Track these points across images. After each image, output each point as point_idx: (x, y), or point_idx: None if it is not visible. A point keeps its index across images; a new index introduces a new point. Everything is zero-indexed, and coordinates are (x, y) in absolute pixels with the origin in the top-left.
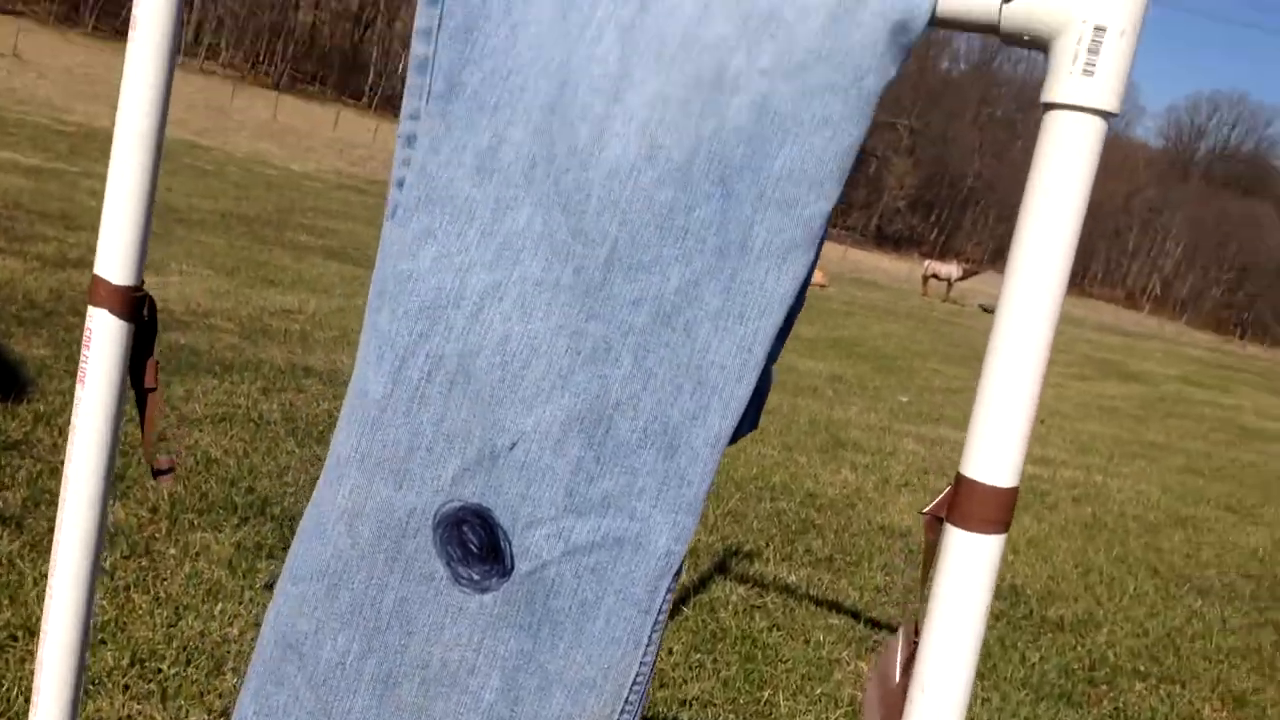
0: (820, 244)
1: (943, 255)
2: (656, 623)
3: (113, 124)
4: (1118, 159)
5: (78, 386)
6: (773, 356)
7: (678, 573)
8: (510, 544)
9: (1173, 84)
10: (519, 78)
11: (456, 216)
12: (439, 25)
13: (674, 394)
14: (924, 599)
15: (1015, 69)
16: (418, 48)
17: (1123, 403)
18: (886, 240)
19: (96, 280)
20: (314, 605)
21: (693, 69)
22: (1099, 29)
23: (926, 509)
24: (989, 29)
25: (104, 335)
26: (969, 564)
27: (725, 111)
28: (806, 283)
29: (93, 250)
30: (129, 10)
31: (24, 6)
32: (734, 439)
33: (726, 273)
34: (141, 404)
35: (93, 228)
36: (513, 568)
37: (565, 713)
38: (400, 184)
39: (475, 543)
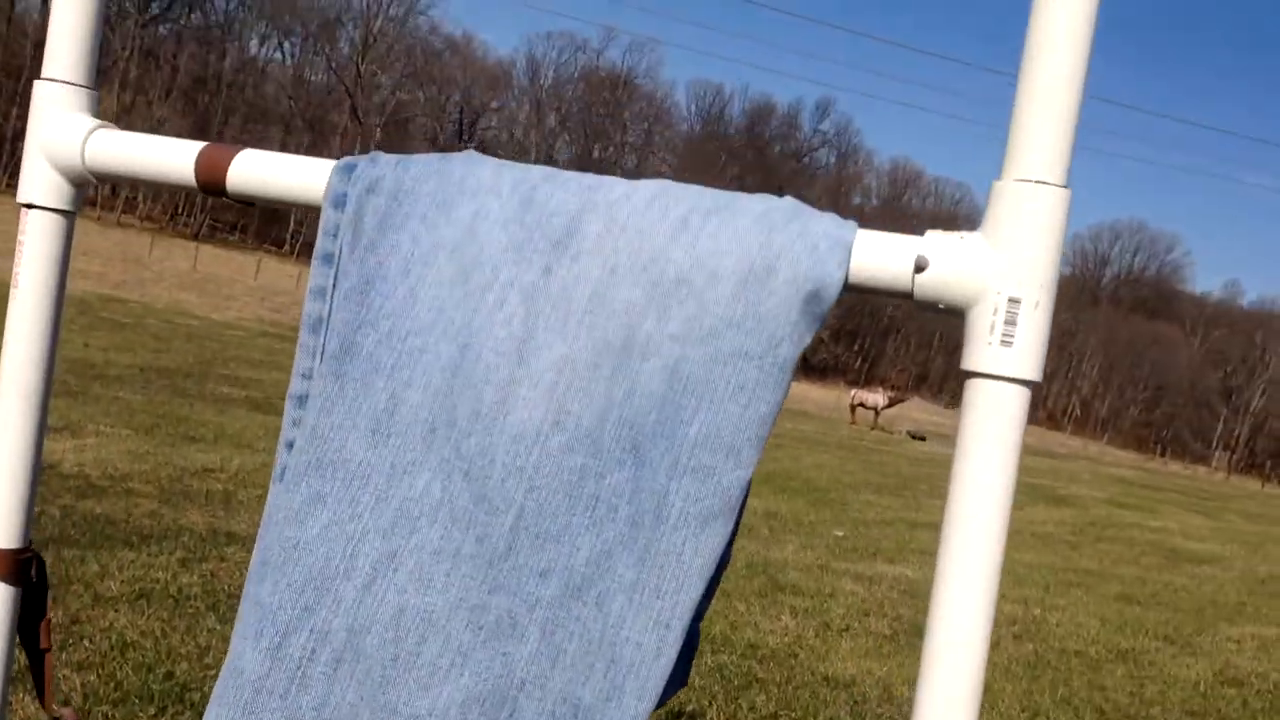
0: (741, 511)
1: (868, 383)
2: None
3: (4, 274)
4: None
5: None
6: (699, 614)
7: None
8: None
9: (1075, 216)
10: (418, 339)
11: (349, 481)
12: (334, 285)
13: (585, 673)
14: None
15: (924, 203)
16: (311, 306)
17: (1054, 528)
18: (813, 370)
19: None
20: None
21: (600, 333)
22: (1013, 300)
23: None
24: (903, 297)
25: None
26: None
27: (636, 377)
28: (728, 552)
29: None
30: (16, 161)
31: None
32: (661, 702)
33: (641, 543)
34: (36, 665)
35: None
36: None
37: None
38: (289, 445)
39: None
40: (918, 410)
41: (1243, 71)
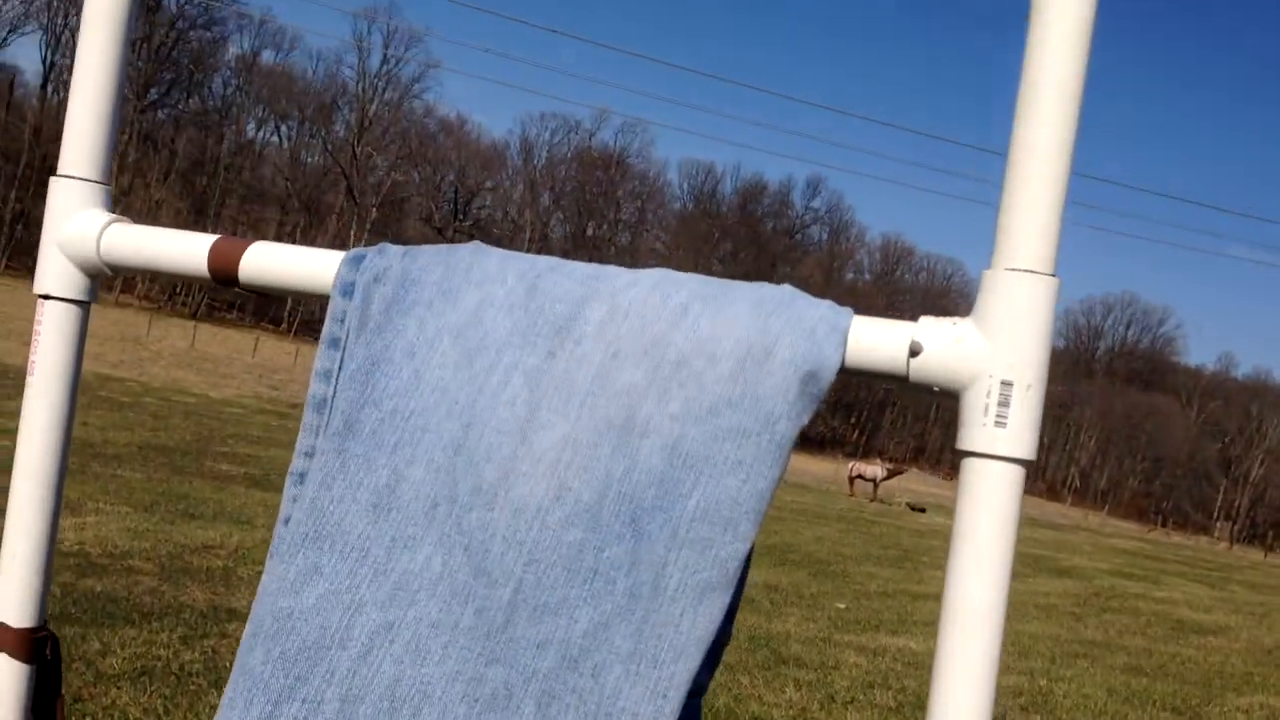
0: (741, 585)
1: (865, 455)
2: None
3: (23, 361)
4: None
5: None
6: (700, 689)
7: None
8: None
9: (1066, 289)
10: (421, 419)
11: (347, 554)
12: (339, 367)
13: None
14: None
15: (916, 278)
16: (316, 388)
17: (1058, 599)
18: (810, 442)
19: None
20: None
21: (602, 413)
22: (1005, 383)
23: None
24: (898, 380)
25: (4, 680)
26: None
27: (636, 454)
28: (729, 628)
29: (4, 494)
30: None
31: None
32: None
33: (638, 614)
34: None
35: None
36: None
37: None
38: (286, 521)
39: None
40: (916, 482)
41: (1228, 146)
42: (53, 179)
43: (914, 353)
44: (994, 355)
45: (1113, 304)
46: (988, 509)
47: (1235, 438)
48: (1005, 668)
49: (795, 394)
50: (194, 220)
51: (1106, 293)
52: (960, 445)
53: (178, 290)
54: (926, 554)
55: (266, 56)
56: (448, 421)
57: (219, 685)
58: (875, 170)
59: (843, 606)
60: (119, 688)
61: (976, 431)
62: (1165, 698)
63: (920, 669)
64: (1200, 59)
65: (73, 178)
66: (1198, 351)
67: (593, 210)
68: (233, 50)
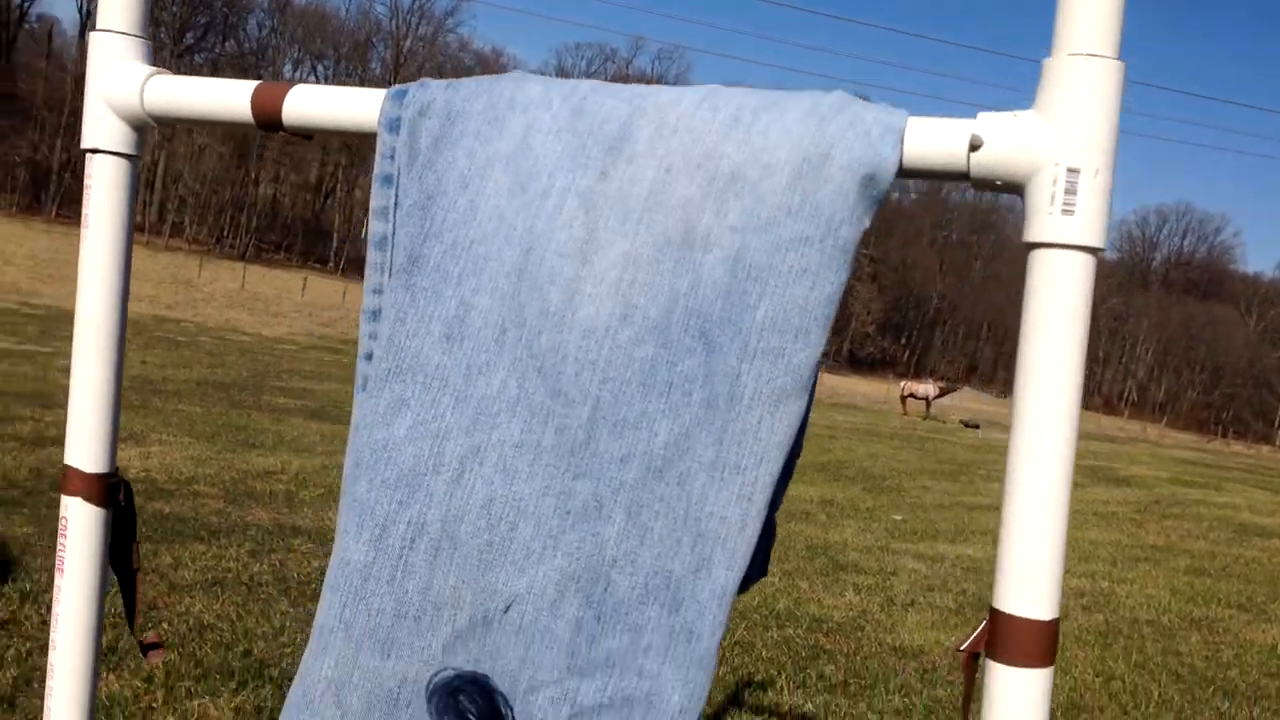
0: (813, 389)
1: (916, 375)
2: None
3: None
4: None
5: (57, 575)
6: (775, 504)
7: None
8: (512, 710)
9: (1119, 200)
10: (482, 247)
11: (429, 384)
12: (395, 203)
13: (673, 548)
14: None
15: (963, 195)
16: (375, 226)
17: (1119, 508)
18: (860, 364)
19: (69, 470)
20: None
21: (660, 229)
22: (1072, 170)
23: (963, 646)
24: (959, 177)
25: (80, 524)
26: (1016, 701)
27: (699, 269)
28: (803, 428)
29: None
30: None
31: None
32: (744, 587)
33: (717, 424)
34: (127, 587)
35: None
36: None
37: None
38: (368, 357)
39: (474, 712)
40: (969, 400)
41: None
42: (92, 34)
43: (974, 147)
44: (1060, 143)
45: (1168, 214)
46: (1058, 300)
47: None
48: (1066, 570)
49: (855, 198)
50: (237, 164)
51: (1161, 203)
52: (1026, 238)
53: (225, 233)
54: (982, 468)
55: None
56: (508, 249)
57: (288, 594)
58: (913, 86)
59: (899, 518)
60: (192, 596)
61: (1043, 221)
62: (1230, 596)
63: (980, 574)
64: None
65: (112, 31)
66: (1256, 259)
67: None
68: None
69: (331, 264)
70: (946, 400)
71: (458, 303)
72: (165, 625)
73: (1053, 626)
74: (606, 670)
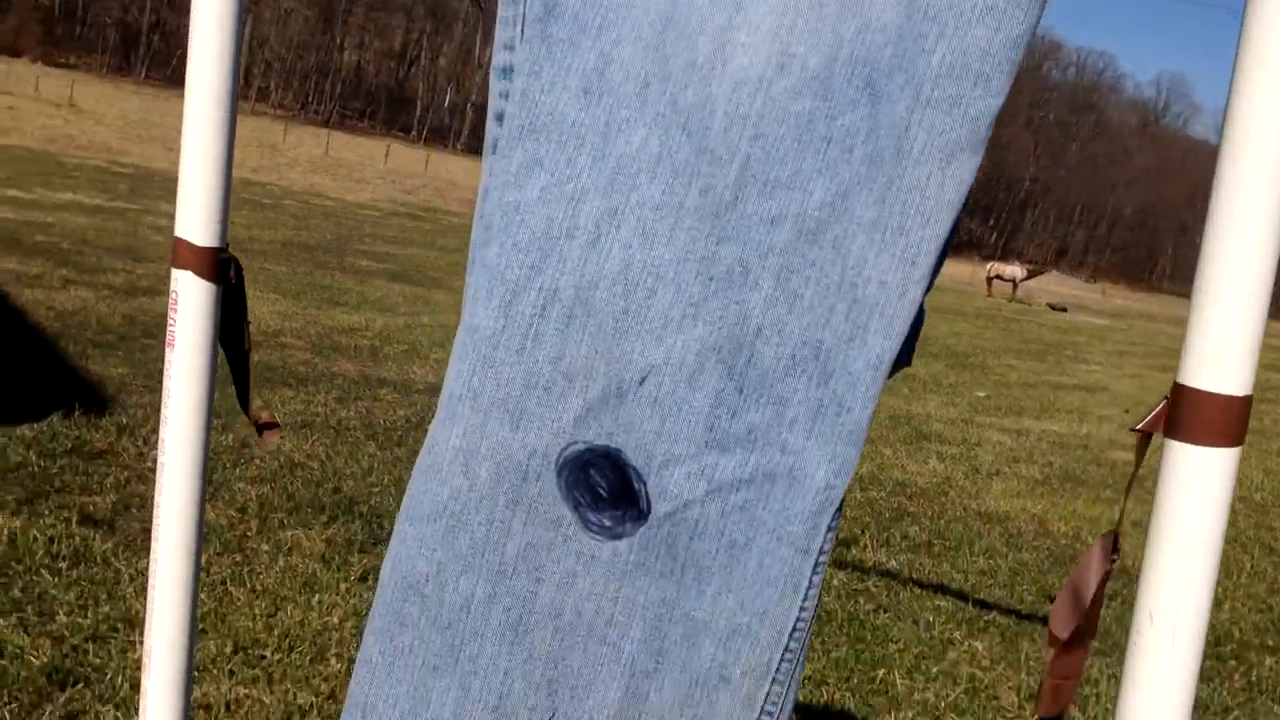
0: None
1: (1004, 257)
2: (817, 564)
3: (169, 166)
4: (1176, 156)
5: (167, 351)
6: (930, 280)
7: (839, 509)
8: (645, 485)
9: (1226, 80)
10: None
11: (564, 143)
12: None
13: (825, 315)
14: (1123, 517)
15: (1064, 74)
16: None
17: None
18: None
19: (179, 243)
20: (433, 547)
21: None
22: None
23: (1139, 425)
24: None
25: (190, 299)
26: (1199, 482)
27: (867, 11)
28: (966, 194)
29: (161, 280)
30: (179, 59)
31: (78, 60)
32: (890, 371)
33: (880, 181)
34: (239, 368)
35: (159, 259)
36: (649, 511)
37: (717, 662)
38: (499, 118)
39: (605, 486)
40: (1056, 284)
41: None
42: None
43: None
44: None
45: None
46: None
47: None
48: (1155, 447)
49: None
50: (322, 30)
51: None
52: None
53: (310, 98)
54: (1070, 349)
55: None
56: None
57: (375, 438)
58: None
59: (983, 395)
60: (282, 437)
61: None
62: None
63: (1066, 448)
64: None
65: None
66: None
67: None
68: None
69: (414, 133)
70: (1033, 283)
71: (597, 55)
72: (257, 462)
73: (1245, 404)
74: (747, 445)
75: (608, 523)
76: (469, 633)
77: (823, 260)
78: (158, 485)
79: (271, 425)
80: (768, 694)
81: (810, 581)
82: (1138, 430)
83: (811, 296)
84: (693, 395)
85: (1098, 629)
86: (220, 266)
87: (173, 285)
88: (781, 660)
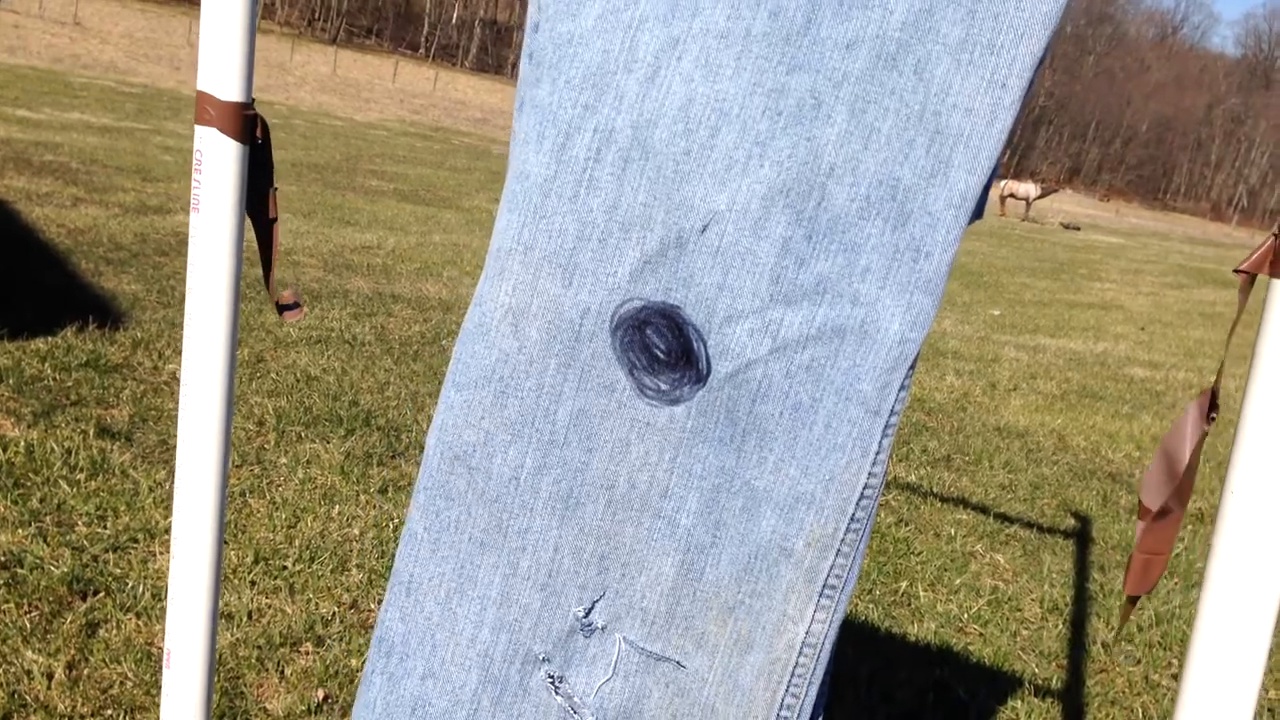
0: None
1: (1017, 175)
2: (888, 425)
3: (176, 85)
4: (1195, 70)
5: (192, 214)
6: (1015, 115)
7: (913, 365)
8: (705, 344)
9: None
10: None
11: None
12: None
13: (904, 150)
14: (1221, 370)
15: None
16: None
17: (1224, 308)
18: None
19: (202, 97)
20: (480, 414)
21: None
22: None
23: (1243, 264)
24: None
25: (215, 158)
26: None
27: None
28: (1063, 8)
29: (172, 199)
30: None
31: None
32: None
33: None
34: (264, 238)
35: (169, 178)
36: (709, 372)
37: (778, 534)
38: None
39: (662, 348)
40: (1070, 203)
41: None
42: None
43: None
44: None
45: None
46: None
47: None
48: (1171, 365)
49: None
50: None
51: None
52: None
53: (316, 16)
54: (1084, 267)
55: None
56: None
57: (390, 353)
58: None
59: (997, 313)
60: (298, 351)
61: None
62: None
63: (1082, 365)
64: None
65: None
66: None
67: None
68: None
69: (422, 50)
70: (1047, 202)
71: None
72: (274, 375)
73: None
74: (815, 297)
75: (664, 386)
76: (518, 506)
77: (903, 88)
78: (184, 361)
79: (294, 306)
80: (831, 567)
81: (880, 445)
82: (1241, 271)
83: (889, 129)
84: (758, 244)
85: (1190, 497)
86: (246, 124)
87: (196, 144)
88: (848, 531)
